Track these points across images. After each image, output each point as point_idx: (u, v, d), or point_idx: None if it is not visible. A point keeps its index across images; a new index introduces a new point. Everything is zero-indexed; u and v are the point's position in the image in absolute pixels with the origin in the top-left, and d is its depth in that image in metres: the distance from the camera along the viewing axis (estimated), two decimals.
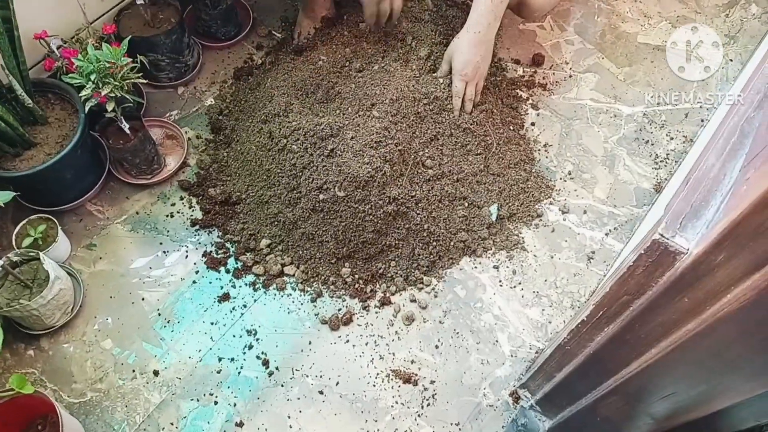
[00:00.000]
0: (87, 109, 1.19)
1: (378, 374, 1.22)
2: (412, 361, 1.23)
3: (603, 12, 1.72)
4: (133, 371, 1.20)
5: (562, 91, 1.57)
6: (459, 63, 1.35)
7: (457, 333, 1.27)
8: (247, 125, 1.41)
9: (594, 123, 1.53)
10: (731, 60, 1.63)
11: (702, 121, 1.53)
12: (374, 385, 1.21)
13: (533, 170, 1.44)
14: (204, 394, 1.19)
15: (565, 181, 1.44)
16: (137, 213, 1.36)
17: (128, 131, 1.28)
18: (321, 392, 1.20)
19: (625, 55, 1.64)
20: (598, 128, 1.52)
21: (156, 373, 1.20)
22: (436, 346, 1.25)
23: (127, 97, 1.21)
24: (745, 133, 0.66)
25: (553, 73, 1.60)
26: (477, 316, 1.28)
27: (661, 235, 0.59)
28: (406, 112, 1.32)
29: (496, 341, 1.26)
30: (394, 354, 1.24)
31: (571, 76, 1.59)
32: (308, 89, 1.39)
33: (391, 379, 1.21)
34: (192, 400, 1.18)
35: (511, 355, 1.25)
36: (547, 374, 1.04)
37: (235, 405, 1.18)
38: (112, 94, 1.18)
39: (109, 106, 1.19)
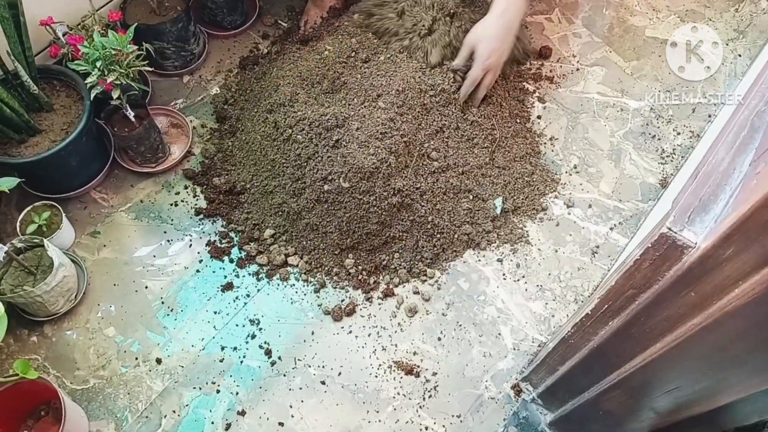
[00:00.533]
0: (92, 96, 1.19)
1: (380, 365, 1.22)
2: (415, 353, 1.23)
3: (611, 5, 1.70)
4: (136, 359, 1.20)
5: (568, 84, 1.56)
6: (485, 51, 1.30)
7: (460, 325, 1.26)
8: (253, 115, 1.41)
9: (600, 117, 1.52)
10: (740, 55, 1.62)
11: (709, 116, 1.52)
12: (376, 376, 1.21)
13: (539, 164, 1.44)
14: (206, 383, 1.19)
15: (570, 174, 1.44)
16: (142, 201, 1.36)
17: (133, 119, 1.27)
18: (323, 382, 1.20)
19: (632, 49, 1.63)
20: (604, 122, 1.51)
21: (159, 361, 1.20)
22: (439, 338, 1.25)
23: (133, 84, 1.20)
24: (755, 127, 0.65)
25: (560, 66, 1.59)
26: (480, 308, 1.28)
27: (669, 228, 0.58)
28: (412, 104, 1.32)
29: (499, 334, 1.26)
30: (396, 345, 1.24)
31: (578, 70, 1.58)
32: (314, 79, 1.38)
33: (393, 371, 1.21)
34: (194, 388, 1.18)
35: (514, 348, 1.25)
36: (549, 367, 1.04)
37: (237, 394, 1.18)
38: (118, 82, 1.17)
39: (115, 94, 1.19)
